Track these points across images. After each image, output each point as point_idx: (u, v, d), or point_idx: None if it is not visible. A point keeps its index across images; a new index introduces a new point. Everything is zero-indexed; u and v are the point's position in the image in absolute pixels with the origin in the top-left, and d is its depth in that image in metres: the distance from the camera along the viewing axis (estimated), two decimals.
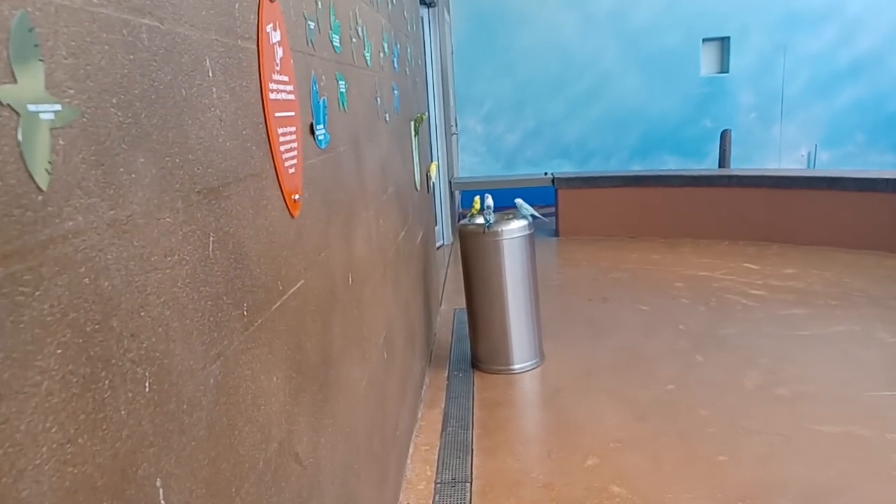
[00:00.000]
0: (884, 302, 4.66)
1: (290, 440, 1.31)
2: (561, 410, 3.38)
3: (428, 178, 4.59)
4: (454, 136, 8.29)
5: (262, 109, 1.25)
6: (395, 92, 3.16)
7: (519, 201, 3.94)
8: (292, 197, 1.40)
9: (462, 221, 3.96)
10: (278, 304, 1.28)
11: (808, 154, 9.32)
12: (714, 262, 5.96)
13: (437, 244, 6.55)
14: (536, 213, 3.90)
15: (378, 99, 2.66)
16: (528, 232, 3.82)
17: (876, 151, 9.14)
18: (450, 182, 7.34)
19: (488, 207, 3.96)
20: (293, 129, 1.43)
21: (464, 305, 4.09)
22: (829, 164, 9.21)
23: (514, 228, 3.76)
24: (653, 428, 3.14)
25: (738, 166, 8.63)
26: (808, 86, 9.13)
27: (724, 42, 9.20)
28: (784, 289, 5.08)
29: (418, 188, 3.96)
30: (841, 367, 3.67)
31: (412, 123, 3.80)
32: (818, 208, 6.17)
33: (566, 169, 9.04)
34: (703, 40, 9.15)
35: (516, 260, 3.80)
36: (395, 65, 3.23)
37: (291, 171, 1.40)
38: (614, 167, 9.34)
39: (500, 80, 9.29)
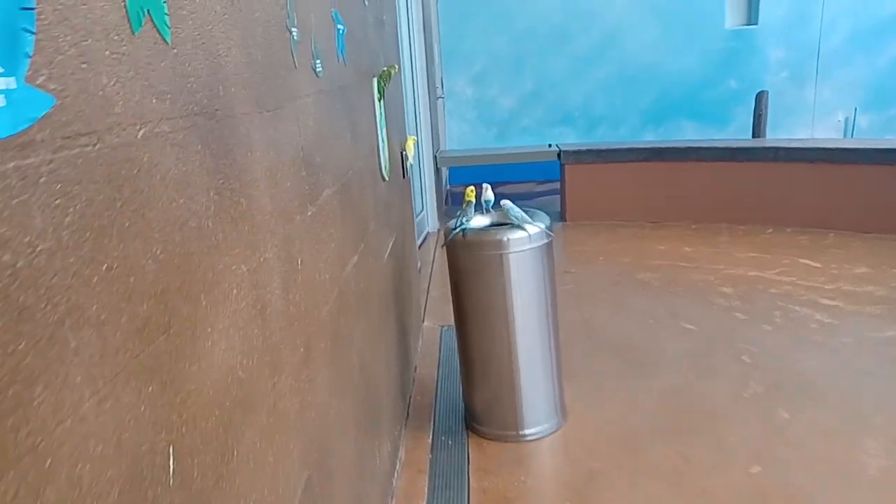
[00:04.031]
0: None
1: None
2: None
3: (403, 158, 3.38)
4: (440, 100, 7.02)
5: None
6: (340, 27, 1.94)
7: (507, 203, 2.70)
8: None
9: (450, 223, 2.77)
10: None
11: (846, 119, 8.15)
12: (762, 256, 4.82)
13: (421, 236, 5.36)
14: (534, 223, 2.63)
15: (293, 30, 1.44)
16: (543, 241, 2.64)
17: None
18: (435, 157, 6.11)
19: (486, 202, 2.79)
20: None
21: (453, 320, 2.90)
22: (869, 131, 8.05)
23: (524, 238, 2.58)
24: None
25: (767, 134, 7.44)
26: (848, 39, 7.90)
27: None
28: (864, 297, 3.96)
29: (387, 177, 2.76)
30: None
31: (375, 81, 2.58)
32: (889, 188, 5.01)
33: (569, 138, 7.83)
34: None
35: (528, 282, 2.63)
36: None
37: None
38: (624, 136, 8.12)
39: (494, 33, 7.98)
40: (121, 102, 0.72)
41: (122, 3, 0.74)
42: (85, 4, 0.66)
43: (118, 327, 0.69)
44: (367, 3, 2.47)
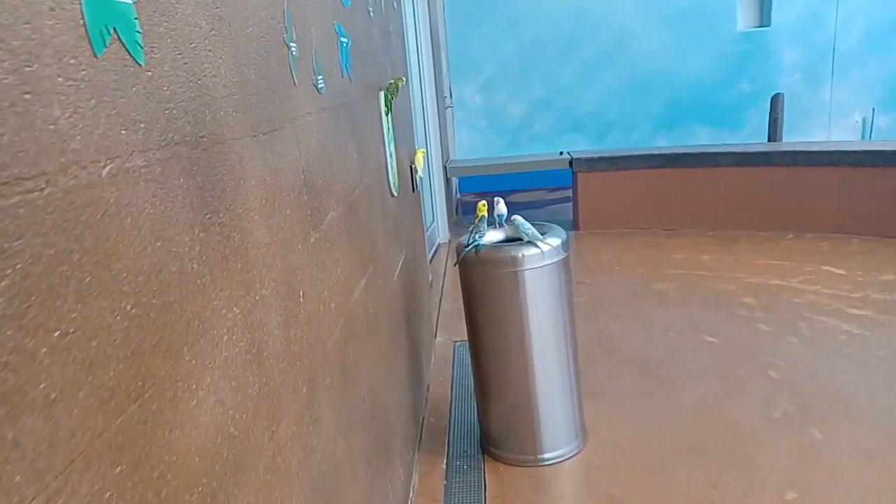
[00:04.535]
0: None
1: None
2: None
3: (413, 172, 3.27)
4: (448, 109, 6.93)
5: None
6: (343, 40, 1.84)
7: (518, 219, 2.58)
8: None
9: (462, 239, 2.65)
10: None
11: (864, 120, 7.97)
12: (783, 264, 4.66)
13: (432, 248, 5.25)
14: (545, 240, 2.52)
15: (292, 45, 1.34)
16: (560, 256, 2.52)
17: None
18: (445, 167, 6.01)
19: (499, 216, 2.68)
20: None
21: (466, 335, 2.77)
22: (888, 131, 7.86)
23: (539, 254, 2.46)
24: None
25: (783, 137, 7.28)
26: (863, 39, 7.73)
27: None
28: (895, 305, 3.80)
29: (396, 192, 2.65)
30: None
31: (382, 94, 2.48)
32: None
33: (580, 145, 7.69)
34: None
35: (544, 299, 2.51)
36: None
37: None
38: (636, 141, 7.98)
39: (502, 40, 7.89)
40: (79, 137, 0.62)
41: (81, 22, 0.64)
42: (28, 24, 0.56)
43: (75, 404, 0.58)
44: (372, 13, 2.37)
